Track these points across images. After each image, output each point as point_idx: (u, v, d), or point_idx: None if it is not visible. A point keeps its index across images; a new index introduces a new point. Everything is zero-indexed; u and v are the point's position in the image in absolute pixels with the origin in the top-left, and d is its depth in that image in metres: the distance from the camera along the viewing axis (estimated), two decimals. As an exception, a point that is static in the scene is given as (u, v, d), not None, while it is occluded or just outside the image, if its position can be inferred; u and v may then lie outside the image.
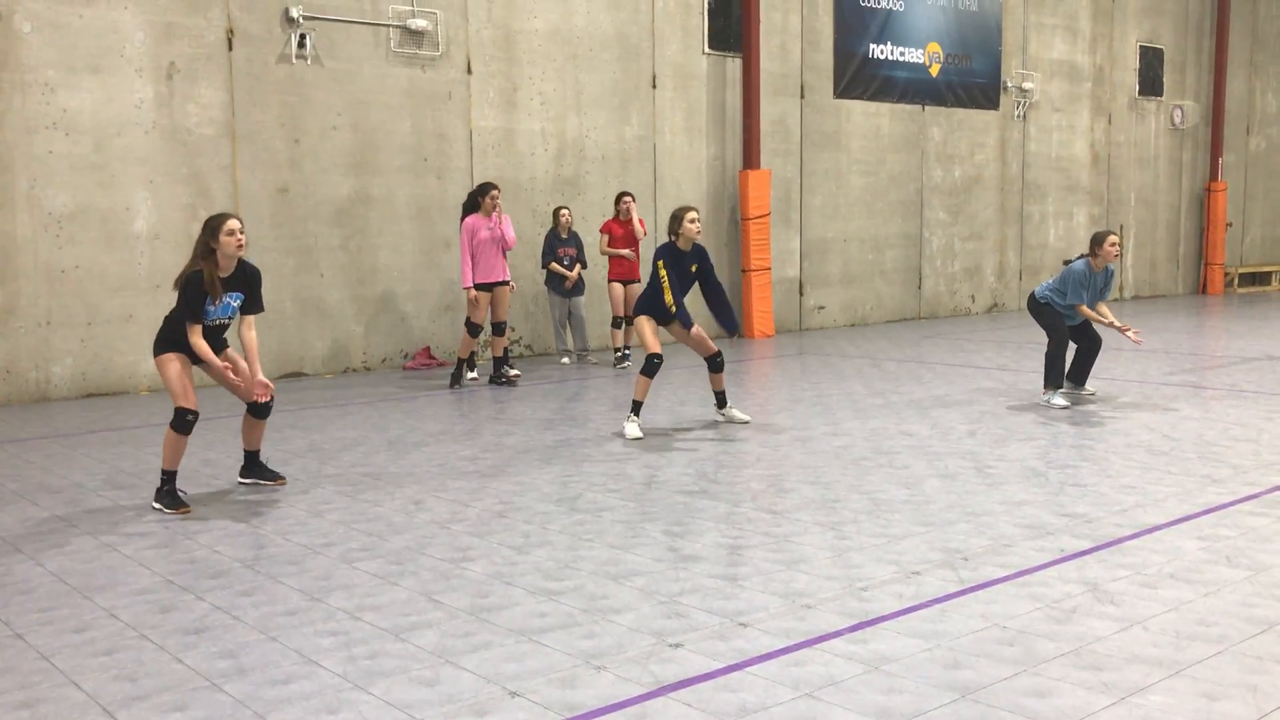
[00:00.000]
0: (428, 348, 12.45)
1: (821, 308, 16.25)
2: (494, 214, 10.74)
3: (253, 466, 6.80)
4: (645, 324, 8.38)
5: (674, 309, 8.20)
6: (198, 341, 6.20)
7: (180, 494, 6.30)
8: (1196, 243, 22.64)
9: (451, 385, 10.83)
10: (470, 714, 3.53)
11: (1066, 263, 9.59)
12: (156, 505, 6.23)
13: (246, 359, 6.42)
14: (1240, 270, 23.20)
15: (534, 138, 13.11)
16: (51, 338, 10.25)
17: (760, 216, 14.81)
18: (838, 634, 4.16)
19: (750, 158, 14.84)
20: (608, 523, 5.78)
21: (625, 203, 12.22)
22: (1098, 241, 9.13)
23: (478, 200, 10.69)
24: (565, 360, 12.52)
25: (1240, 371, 11.08)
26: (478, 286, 10.73)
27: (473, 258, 10.64)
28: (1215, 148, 22.33)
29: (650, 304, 8.38)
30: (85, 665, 3.99)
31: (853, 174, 16.37)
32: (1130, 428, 8.15)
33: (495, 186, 10.72)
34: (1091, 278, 9.26)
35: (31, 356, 10.18)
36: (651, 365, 8.19)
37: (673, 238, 8.30)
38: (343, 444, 8.05)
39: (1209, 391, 9.85)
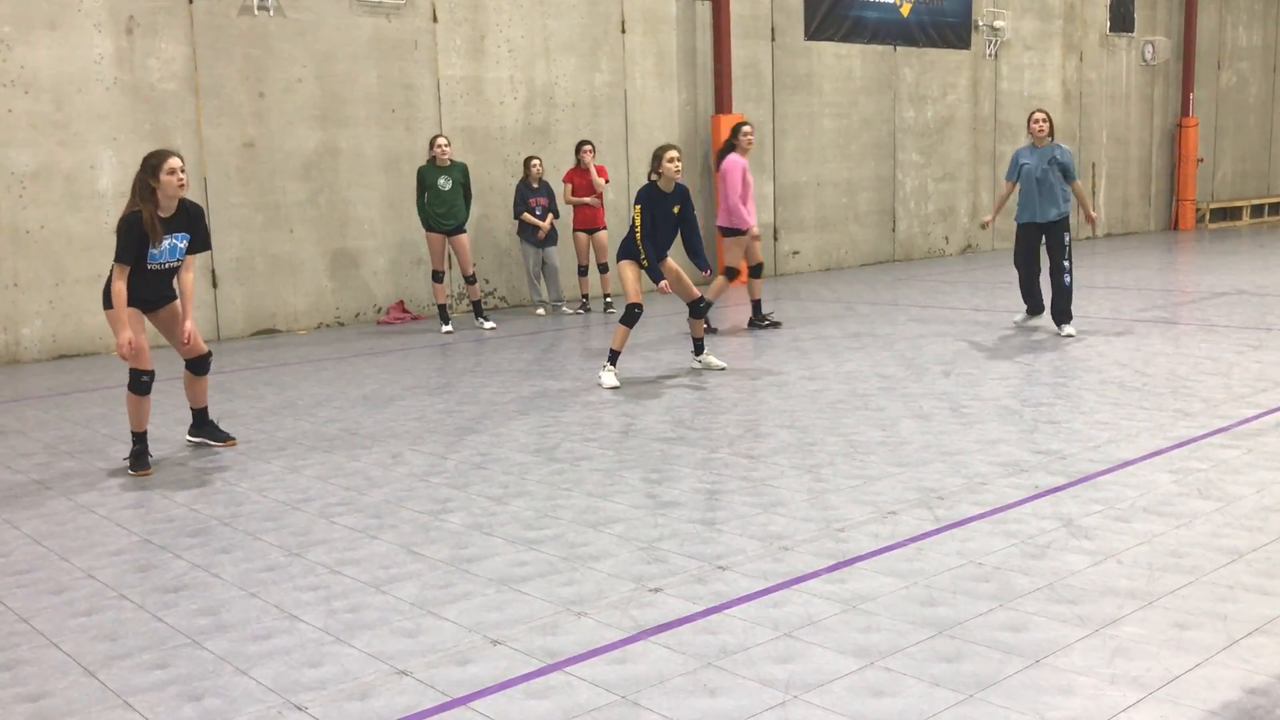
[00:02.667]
0: (401, 302, 12.37)
1: (796, 253, 16.23)
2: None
3: (202, 425, 6.69)
4: (628, 270, 8.23)
5: (644, 260, 8.09)
6: (120, 285, 5.89)
7: (149, 456, 6.20)
8: (1168, 179, 22.70)
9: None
10: (452, 663, 3.55)
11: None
12: (125, 463, 6.21)
13: (181, 301, 6.22)
14: (1211, 206, 23.29)
15: (502, 86, 12.95)
16: (19, 299, 10.13)
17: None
18: (815, 574, 4.19)
19: (722, 102, 14.73)
20: (586, 471, 5.79)
21: (584, 152, 12.17)
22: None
23: (734, 141, 10.18)
24: (540, 311, 12.44)
25: (1211, 306, 11.16)
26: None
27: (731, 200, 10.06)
28: (1186, 83, 22.32)
29: (632, 248, 8.25)
30: (65, 626, 3.98)
31: (825, 117, 16.28)
32: (1103, 364, 8.21)
33: (749, 124, 10.29)
34: (1031, 154, 9.70)
35: (0, 319, 10.06)
36: (631, 315, 8.11)
37: (654, 178, 8.14)
38: (318, 400, 8.02)
39: (1181, 327, 9.92)
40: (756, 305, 10.62)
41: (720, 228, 10.21)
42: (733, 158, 10.08)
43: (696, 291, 8.42)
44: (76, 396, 8.55)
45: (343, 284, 12.02)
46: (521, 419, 7.11)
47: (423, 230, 11.27)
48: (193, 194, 10.87)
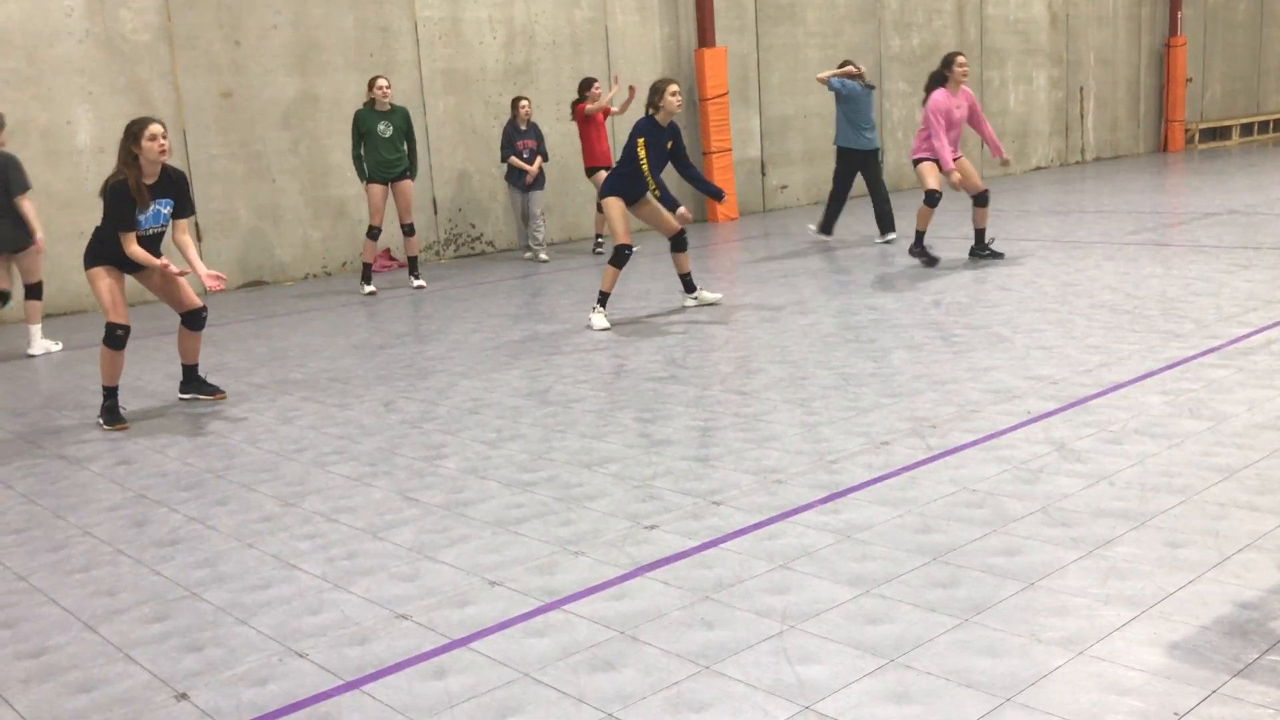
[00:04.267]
0: (388, 249, 12.29)
1: (784, 187, 16.13)
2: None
3: (192, 381, 6.70)
4: (615, 207, 8.06)
5: (655, 191, 7.95)
6: (134, 249, 6.04)
7: (121, 409, 6.23)
8: (1157, 101, 22.55)
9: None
10: (452, 605, 3.57)
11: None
12: (99, 420, 6.20)
13: (186, 261, 6.23)
14: (1201, 126, 23.17)
15: (481, 25, 12.76)
16: (2, 259, 10.03)
17: (718, 96, 14.57)
18: (809, 506, 4.21)
19: (705, 35, 14.54)
20: (578, 413, 5.79)
21: (596, 89, 11.99)
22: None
23: (944, 73, 9.50)
24: (527, 255, 12.27)
25: (1201, 227, 11.13)
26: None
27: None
28: (1174, 2, 22.07)
29: (621, 184, 8.07)
30: (63, 583, 3.99)
31: (810, 47, 16.09)
32: (1094, 288, 8.20)
33: (961, 53, 9.55)
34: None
35: (-17, 280, 9.97)
36: (621, 256, 8.01)
37: (651, 111, 7.97)
38: (308, 350, 7.99)
39: (1171, 248, 9.90)
40: (979, 234, 10.02)
41: (913, 159, 9.80)
42: (938, 94, 9.45)
43: (677, 225, 8.23)
44: (64, 355, 8.51)
45: (328, 233, 11.93)
46: (513, 363, 7.10)
47: (360, 182, 10.44)
48: (173, 146, 10.74)
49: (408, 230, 10.51)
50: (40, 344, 8.64)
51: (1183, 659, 2.92)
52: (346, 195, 11.96)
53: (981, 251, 10.03)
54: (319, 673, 3.18)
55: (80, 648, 3.45)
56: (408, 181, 10.37)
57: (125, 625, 3.60)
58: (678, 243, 8.34)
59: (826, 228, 12.06)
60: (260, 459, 5.36)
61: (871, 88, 11.51)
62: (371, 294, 10.43)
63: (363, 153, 10.18)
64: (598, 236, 12.57)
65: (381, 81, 10.18)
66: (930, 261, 9.72)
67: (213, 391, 6.67)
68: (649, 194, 8.10)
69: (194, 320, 6.47)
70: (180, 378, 6.76)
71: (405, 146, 10.30)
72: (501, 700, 2.96)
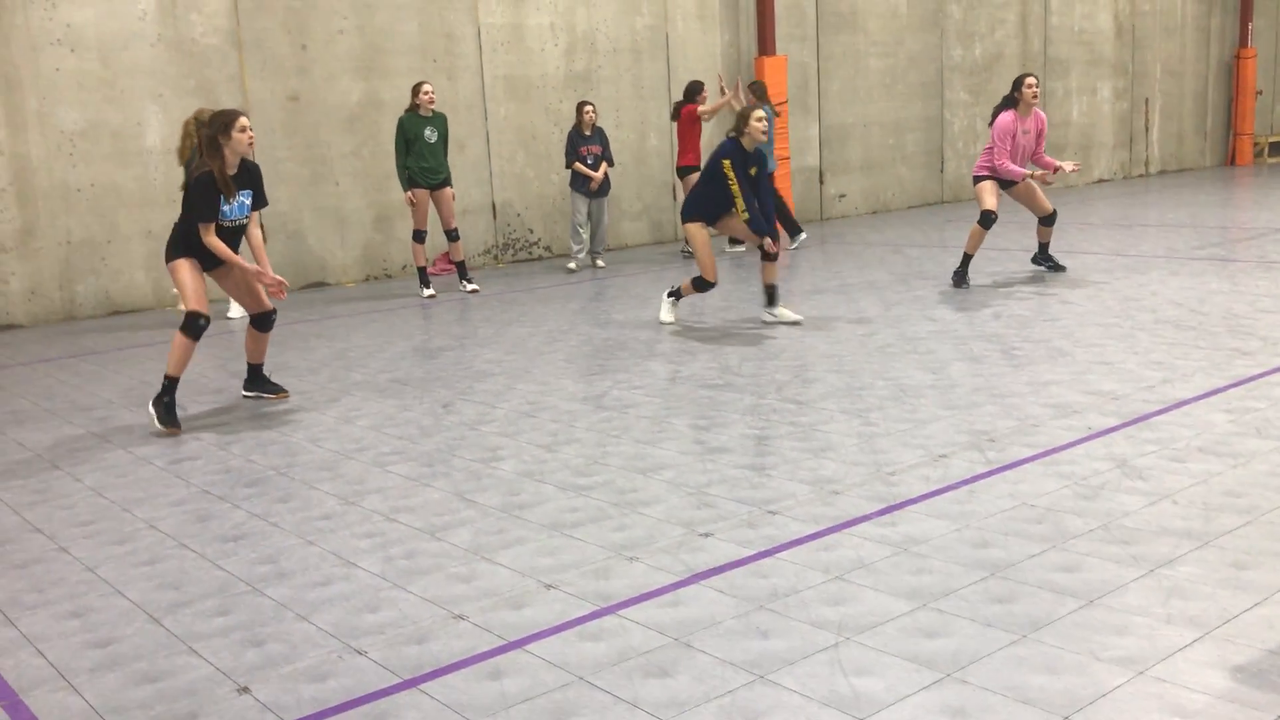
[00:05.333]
0: (446, 253, 12.40)
1: (842, 196, 16.06)
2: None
3: (256, 380, 6.77)
4: (699, 236, 8.04)
5: (746, 216, 7.85)
6: (214, 240, 6.08)
7: (179, 408, 6.23)
8: (1225, 113, 22.14)
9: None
10: (507, 607, 3.60)
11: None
12: (151, 411, 6.08)
13: (255, 257, 6.32)
14: (1270, 139, 22.69)
15: (544, 33, 12.86)
16: (72, 257, 10.28)
17: (778, 104, 14.54)
18: (866, 518, 4.19)
19: (765, 43, 14.53)
20: (634, 419, 5.81)
21: (706, 94, 12.12)
22: None
23: (1014, 95, 9.31)
24: (571, 266, 11.90)
25: (1269, 243, 10.92)
26: None
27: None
28: (1245, 12, 21.66)
29: (702, 206, 8.02)
30: (129, 575, 4.08)
31: (871, 56, 16.02)
32: (1157, 303, 8.08)
33: (1032, 75, 9.33)
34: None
35: (55, 277, 10.23)
36: (704, 285, 8.17)
37: (735, 135, 7.91)
38: (368, 351, 8.10)
39: (1237, 264, 9.72)
40: (1043, 247, 9.88)
41: (975, 176, 9.60)
42: (1006, 116, 9.26)
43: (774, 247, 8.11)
44: (131, 352, 8.70)
45: (389, 236, 12.07)
46: (568, 367, 7.14)
47: (404, 189, 10.38)
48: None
49: (454, 235, 10.60)
50: (237, 308, 9.97)
51: (1247, 682, 2.87)
52: (403, 198, 12.06)
53: (1045, 261, 9.90)
54: (377, 670, 3.22)
55: (145, 639, 3.53)
56: (450, 190, 10.48)
57: (189, 618, 3.67)
58: (766, 254, 8.12)
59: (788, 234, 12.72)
60: (321, 458, 5.45)
61: (776, 113, 12.12)
62: (431, 297, 10.48)
63: (409, 157, 10.23)
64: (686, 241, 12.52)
65: (427, 86, 10.24)
66: (960, 285, 9.39)
67: (276, 391, 6.77)
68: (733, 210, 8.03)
69: (264, 322, 6.57)
70: (245, 376, 6.87)
71: (444, 150, 10.40)
72: (557, 703, 2.98)
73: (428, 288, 10.58)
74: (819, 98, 15.53)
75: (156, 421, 6.07)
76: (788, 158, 14.78)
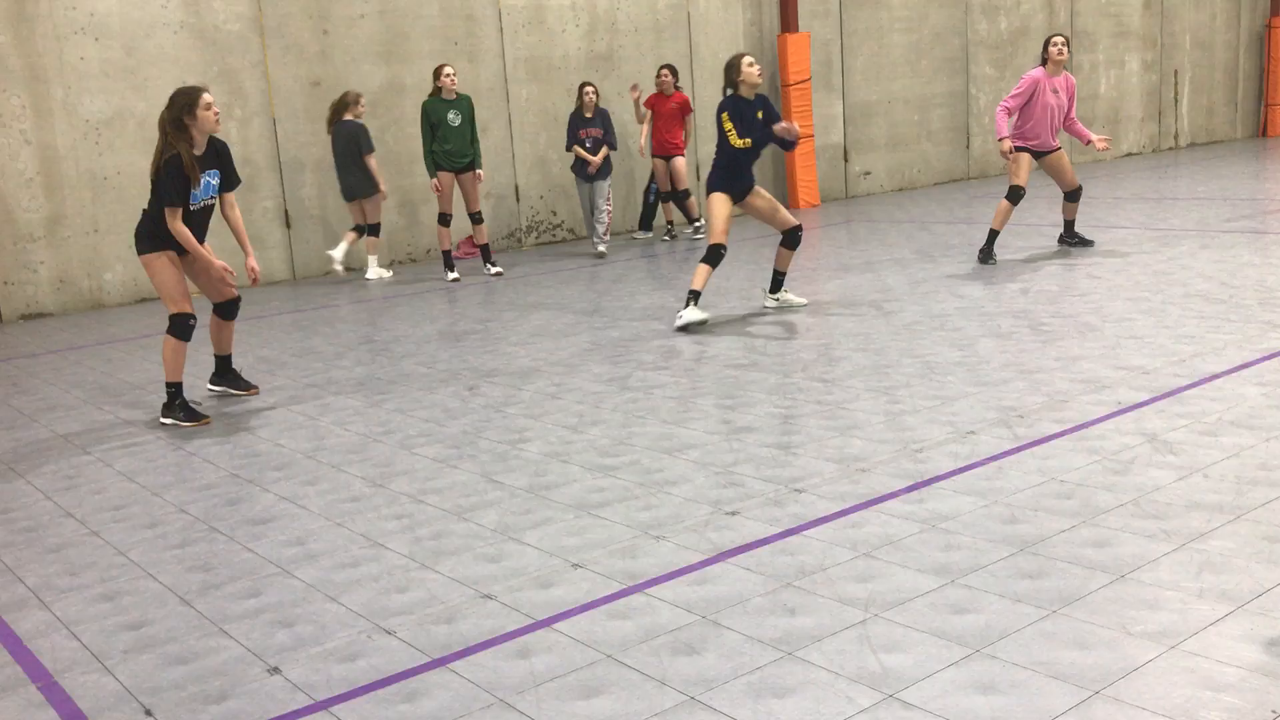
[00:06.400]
0: (470, 236, 12.41)
1: (867, 174, 15.95)
2: None
3: (224, 374, 6.54)
4: (717, 203, 7.62)
5: (744, 143, 7.43)
6: (179, 227, 5.80)
7: (195, 405, 6.09)
8: (1257, 84, 21.81)
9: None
10: (535, 586, 3.61)
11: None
12: (167, 420, 5.96)
13: (237, 239, 6.11)
14: (1302, 110, 22.34)
15: (564, 13, 12.81)
16: (100, 245, 10.36)
17: (801, 82, 14.45)
18: (894, 495, 4.17)
19: (788, 20, 14.43)
20: (659, 399, 5.80)
21: (664, 76, 11.99)
22: None
23: (1044, 55, 9.22)
24: (601, 249, 11.62)
25: (1302, 214, 10.77)
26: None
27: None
28: (1275, -19, 21.31)
29: (724, 178, 7.62)
30: (160, 558, 4.12)
31: (894, 32, 15.87)
32: (1188, 277, 7.99)
33: (1059, 35, 9.24)
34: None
35: (83, 265, 10.31)
36: (716, 255, 7.61)
37: (731, 90, 7.66)
38: (393, 335, 8.12)
39: (1269, 236, 9.60)
40: (1069, 224, 9.76)
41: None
42: (1036, 70, 9.18)
43: (794, 219, 7.84)
44: (159, 339, 8.75)
45: (412, 220, 12.09)
46: (593, 350, 7.14)
47: (429, 173, 10.27)
48: (263, 135, 10.99)
49: (478, 219, 10.55)
50: (374, 270, 11.01)
51: (1281, 656, 2.84)
52: (429, 183, 12.08)
53: (1071, 239, 9.81)
54: (406, 650, 3.24)
55: (177, 621, 3.56)
56: (477, 172, 10.35)
57: (220, 600, 3.70)
58: (790, 239, 7.86)
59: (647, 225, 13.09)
60: (349, 441, 5.47)
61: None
62: (455, 280, 10.48)
63: (435, 141, 10.15)
64: (695, 219, 12.50)
65: (448, 69, 10.15)
66: (987, 262, 9.25)
67: (246, 387, 6.52)
68: (757, 188, 7.76)
69: (228, 310, 6.31)
70: (212, 370, 6.61)
71: (470, 133, 10.26)
72: (585, 681, 2.99)
73: (452, 271, 10.58)
74: (842, 75, 15.42)
75: (184, 423, 5.94)
76: (812, 136, 14.69)
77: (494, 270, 10.67)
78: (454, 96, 10.23)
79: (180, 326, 5.97)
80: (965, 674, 2.87)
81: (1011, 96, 9.23)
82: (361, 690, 3.03)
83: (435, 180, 10.21)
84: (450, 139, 10.19)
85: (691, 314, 7.51)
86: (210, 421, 6.04)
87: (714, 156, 7.84)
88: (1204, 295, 7.33)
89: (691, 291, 7.64)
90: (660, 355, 6.80)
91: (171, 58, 10.47)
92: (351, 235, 10.87)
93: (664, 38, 13.62)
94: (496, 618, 3.40)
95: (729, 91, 7.72)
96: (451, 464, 4.97)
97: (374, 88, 11.60)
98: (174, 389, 6.02)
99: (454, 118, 10.19)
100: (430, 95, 10.27)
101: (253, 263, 6.09)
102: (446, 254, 10.60)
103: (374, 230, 10.94)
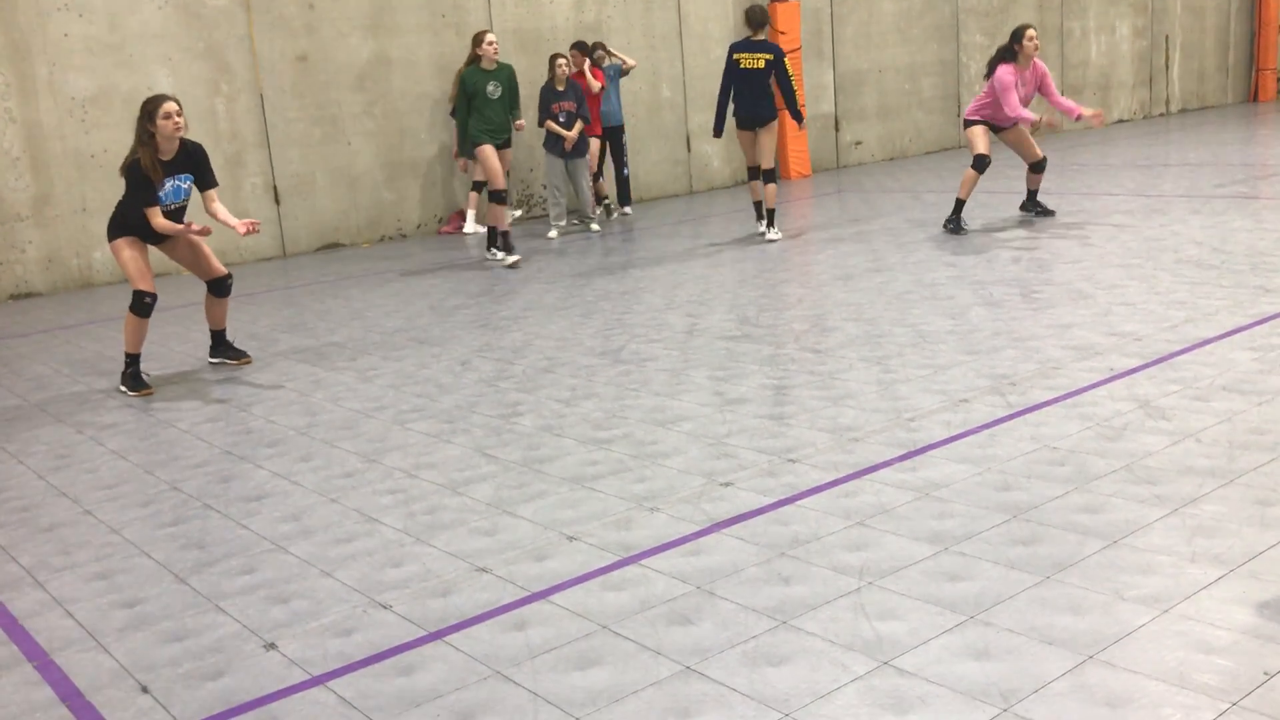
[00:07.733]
0: (461, 211, 12.37)
1: (858, 143, 15.90)
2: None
3: (220, 345, 6.85)
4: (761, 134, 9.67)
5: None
6: (160, 222, 6.19)
7: (144, 376, 6.37)
8: (1247, 48, 21.76)
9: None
10: (530, 559, 3.61)
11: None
12: (121, 388, 6.32)
13: (221, 221, 6.35)
14: (1293, 74, 22.30)
15: (552, -15, 12.70)
16: (88, 224, 10.29)
17: (791, 51, 14.36)
18: (887, 464, 4.18)
19: (777, -10, 14.32)
20: (652, 372, 5.80)
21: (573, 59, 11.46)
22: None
23: (1013, 48, 9.09)
24: (552, 234, 11.07)
25: (1293, 179, 10.76)
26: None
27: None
28: (1266, -55, 21.22)
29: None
30: (154, 536, 4.12)
31: None
32: (1179, 243, 7.99)
33: (1032, 26, 9.11)
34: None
35: (71, 244, 10.25)
36: (761, 173, 9.72)
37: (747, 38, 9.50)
38: (385, 311, 8.10)
39: (1260, 201, 9.59)
40: (1032, 194, 9.78)
41: (965, 120, 9.50)
42: (1004, 69, 9.05)
43: (771, 163, 9.38)
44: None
45: (402, 195, 12.04)
46: (586, 322, 7.13)
47: (471, 147, 9.58)
48: (250, 110, 10.91)
49: (500, 198, 9.58)
50: (471, 225, 11.80)
51: (1273, 618, 2.86)
52: (420, 157, 12.04)
53: (1033, 208, 9.79)
54: (402, 624, 3.25)
55: (172, 598, 3.56)
56: (509, 150, 9.73)
57: (215, 577, 3.70)
58: (767, 176, 9.54)
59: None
60: (342, 417, 5.46)
61: (625, 73, 12.24)
62: (516, 263, 9.49)
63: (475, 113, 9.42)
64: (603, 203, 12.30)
65: (490, 37, 9.39)
66: (957, 232, 9.26)
67: (239, 356, 6.82)
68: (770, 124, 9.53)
69: (220, 287, 6.64)
70: (209, 342, 6.93)
71: (507, 105, 9.55)
72: (581, 652, 2.99)
73: (512, 253, 9.59)
74: (833, 43, 15.33)
75: (129, 393, 6.26)
76: (803, 105, 14.59)
77: (510, 259, 9.52)
78: (494, 66, 9.42)
79: (138, 304, 6.28)
80: (959, 640, 2.88)
81: (1011, 106, 9.05)
82: (358, 664, 3.04)
83: (463, 160, 9.78)
84: (488, 111, 9.43)
85: (774, 233, 9.79)
86: (153, 392, 6.25)
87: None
88: (1195, 261, 7.33)
89: (768, 211, 9.73)
90: (653, 328, 6.79)
91: (157, 33, 10.38)
92: (474, 195, 11.69)
93: (653, 7, 13.52)
94: (492, 591, 3.41)
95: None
96: (445, 439, 4.97)
97: (361, 61, 11.52)
98: (130, 359, 6.34)
99: (494, 89, 9.41)
100: (468, 64, 9.53)
101: (237, 220, 6.25)
102: (505, 235, 9.66)
103: (476, 187, 11.68)
